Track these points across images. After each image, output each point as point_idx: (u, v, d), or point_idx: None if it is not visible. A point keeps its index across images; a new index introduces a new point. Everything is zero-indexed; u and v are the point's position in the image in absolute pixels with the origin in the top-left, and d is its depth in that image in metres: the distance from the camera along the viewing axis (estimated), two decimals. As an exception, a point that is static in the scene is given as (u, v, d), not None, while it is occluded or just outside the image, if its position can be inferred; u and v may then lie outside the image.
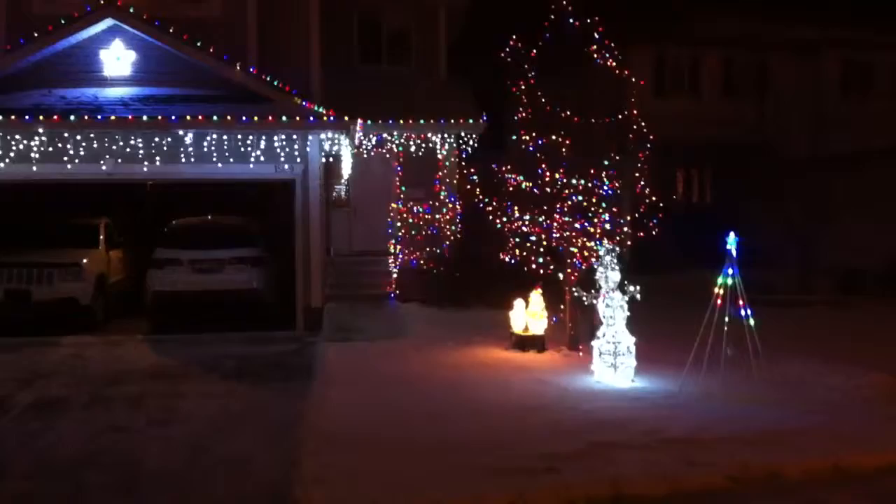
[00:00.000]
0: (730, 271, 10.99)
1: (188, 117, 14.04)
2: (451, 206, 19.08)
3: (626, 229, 13.63)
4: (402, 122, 18.56)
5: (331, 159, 15.33)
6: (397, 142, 18.87)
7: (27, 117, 13.80)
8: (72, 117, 13.86)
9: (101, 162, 14.22)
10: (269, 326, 14.88)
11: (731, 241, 11.08)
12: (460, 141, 19.08)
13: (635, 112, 14.09)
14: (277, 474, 7.82)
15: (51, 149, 14.09)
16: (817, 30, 25.44)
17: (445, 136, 18.98)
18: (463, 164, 18.43)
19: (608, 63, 14.09)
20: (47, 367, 12.26)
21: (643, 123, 14.03)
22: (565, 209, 13.58)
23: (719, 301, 10.87)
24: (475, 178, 15.33)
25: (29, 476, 7.78)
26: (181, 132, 14.20)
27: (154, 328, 15.21)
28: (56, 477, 7.77)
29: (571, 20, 14.30)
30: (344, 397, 10.49)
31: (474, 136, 18.95)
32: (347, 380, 11.45)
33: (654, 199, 13.74)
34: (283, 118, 14.25)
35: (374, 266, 18.51)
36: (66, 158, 14.13)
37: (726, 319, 10.81)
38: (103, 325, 15.34)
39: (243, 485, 7.59)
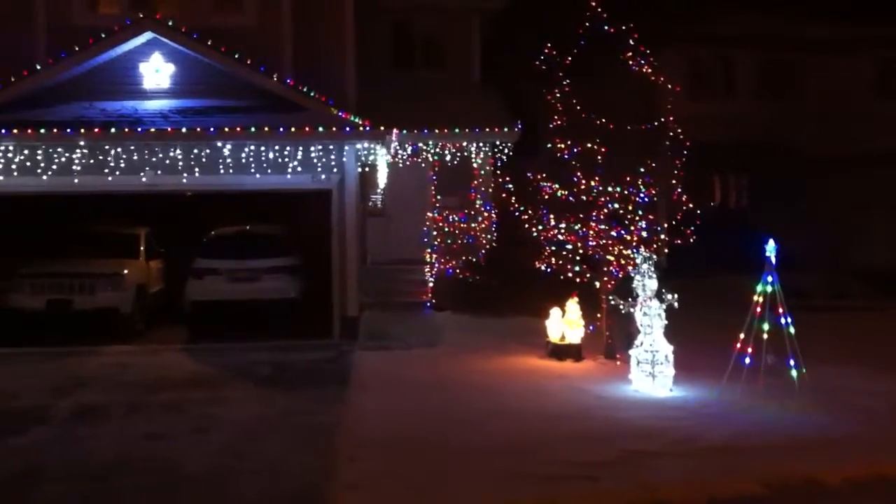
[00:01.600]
0: (769, 278, 10.88)
1: (226, 128, 14.20)
2: (486, 214, 19.08)
3: (662, 236, 13.54)
4: (436, 130, 18.60)
5: (366, 168, 15.40)
6: (432, 150, 18.92)
7: (69, 130, 14.04)
8: (112, 129, 14.08)
9: (141, 173, 14.41)
10: (305, 335, 14.96)
11: (771, 247, 10.97)
12: (495, 149, 19.09)
13: (671, 118, 14.02)
14: (313, 480, 7.86)
15: (92, 161, 14.30)
16: (852, 29, 25.10)
17: (480, 144, 19.00)
18: (498, 171, 18.42)
19: (643, 69, 14.04)
20: (88, 376, 12.42)
21: (679, 129, 13.95)
22: (601, 217, 13.53)
23: (758, 308, 10.76)
24: (510, 186, 15.32)
25: (67, 481, 7.89)
26: (219, 143, 14.36)
27: (192, 337, 15.36)
28: (93, 482, 7.87)
29: (605, 26, 14.28)
30: (379, 404, 10.54)
31: (509, 143, 18.95)
32: (383, 387, 11.49)
33: (690, 205, 13.64)
34: (320, 128, 14.36)
35: (410, 274, 18.55)
36: (106, 170, 14.33)
37: (766, 327, 10.69)
38: (143, 334, 15.52)
39: (278, 490, 7.64)
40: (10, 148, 14.15)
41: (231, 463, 8.36)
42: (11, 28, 16.00)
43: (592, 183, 13.56)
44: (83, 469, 8.22)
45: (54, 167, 14.27)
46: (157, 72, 15.29)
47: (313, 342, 14.57)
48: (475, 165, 19.11)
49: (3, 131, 13.94)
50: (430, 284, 18.25)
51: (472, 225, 19.06)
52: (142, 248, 16.67)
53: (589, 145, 13.66)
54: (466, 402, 10.61)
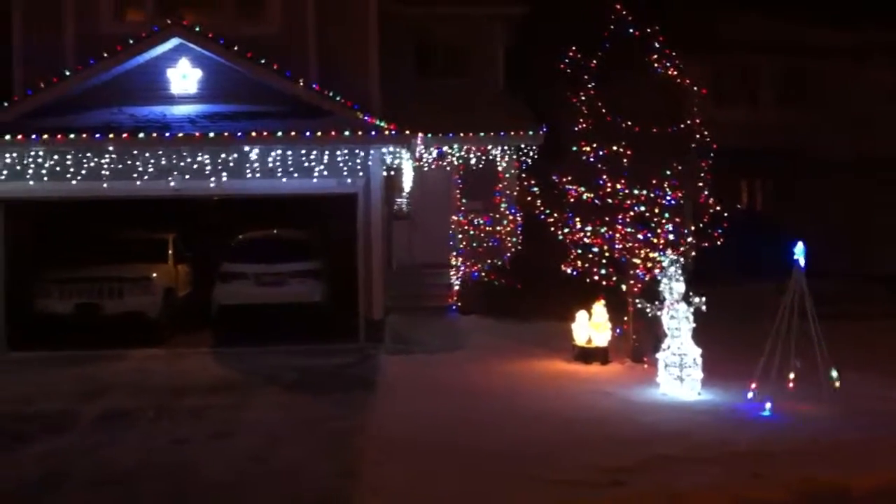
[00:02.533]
0: (797, 282, 10.77)
1: (253, 133, 14.28)
2: (511, 217, 19.05)
3: (689, 239, 13.45)
4: (461, 134, 18.62)
5: (392, 172, 15.43)
6: (457, 154, 18.93)
7: (98, 135, 14.17)
8: (141, 135, 14.21)
9: (170, 178, 14.52)
10: (330, 338, 14.99)
11: (799, 251, 10.87)
12: (520, 152, 19.05)
13: (697, 121, 13.93)
14: (336, 484, 7.88)
15: (120, 166, 14.41)
16: (874, 34, 24.87)
17: (505, 147, 18.99)
18: (523, 175, 18.39)
19: (668, 72, 13.97)
20: (115, 380, 12.52)
21: (705, 132, 13.86)
22: (627, 220, 13.46)
23: (786, 312, 10.66)
24: (535, 189, 15.28)
25: (91, 486, 7.95)
26: (246, 148, 14.44)
27: (219, 341, 15.44)
28: (117, 487, 7.92)
29: (631, 29, 14.22)
30: (404, 408, 10.54)
31: (534, 147, 18.91)
32: (408, 391, 11.49)
33: (717, 208, 13.54)
34: (346, 133, 14.41)
35: (435, 278, 18.56)
36: (135, 175, 14.45)
37: (794, 331, 10.59)
38: (170, 337, 15.59)
39: (301, 495, 7.65)
40: (41, 153, 14.30)
41: (255, 468, 8.39)
42: (41, 35, 16.19)
43: (618, 186, 13.49)
44: (108, 474, 8.28)
45: (83, 172, 14.40)
46: (184, 77, 15.41)
47: (338, 346, 14.59)
48: (500, 169, 19.09)
49: (34, 137, 14.10)
50: (456, 288, 18.25)
51: (497, 228, 19.04)
52: (170, 253, 16.78)
53: (615, 148, 13.59)
54: (492, 406, 10.59)
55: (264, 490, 7.80)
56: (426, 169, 18.72)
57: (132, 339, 14.85)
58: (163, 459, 8.74)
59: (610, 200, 13.60)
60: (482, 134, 18.67)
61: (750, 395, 10.62)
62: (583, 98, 14.19)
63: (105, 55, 15.12)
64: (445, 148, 18.79)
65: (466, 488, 7.66)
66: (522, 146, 18.95)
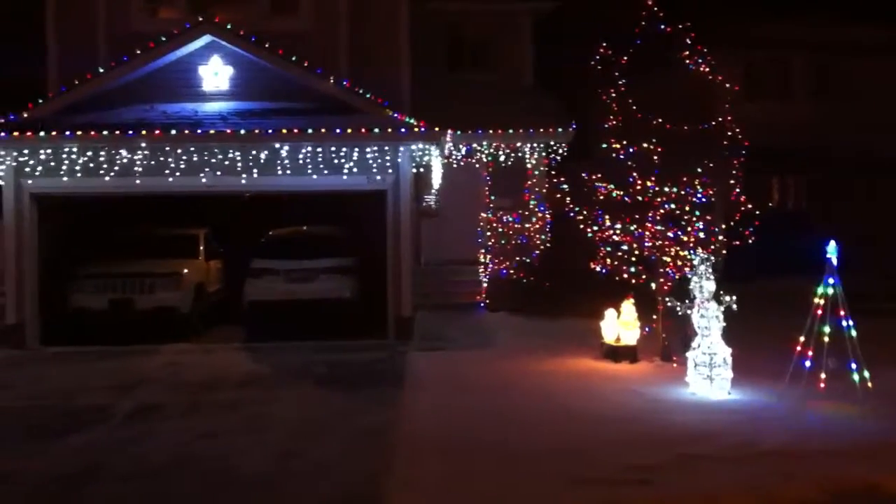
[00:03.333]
0: (830, 280, 10.68)
1: (283, 130, 14.39)
2: (540, 215, 19.02)
3: (720, 238, 13.36)
4: (490, 131, 18.62)
5: (421, 169, 15.46)
6: (486, 151, 18.92)
7: (131, 132, 14.35)
8: (173, 131, 14.37)
9: (201, 174, 14.65)
10: (360, 335, 15.07)
11: (832, 249, 10.77)
12: (549, 149, 19.02)
13: (729, 118, 13.83)
14: (366, 480, 7.91)
15: (153, 162, 14.57)
16: None
17: (534, 144, 18.95)
18: (552, 172, 18.35)
19: (700, 68, 13.88)
20: (147, 374, 12.66)
21: (737, 129, 13.75)
22: (657, 217, 13.39)
23: (819, 311, 10.56)
24: (564, 186, 15.25)
25: (125, 480, 8.04)
26: (277, 145, 14.54)
27: (249, 336, 15.57)
28: (150, 481, 8.00)
29: (661, 25, 14.15)
30: (434, 405, 10.56)
31: (563, 144, 18.87)
32: (437, 387, 11.52)
33: (748, 206, 13.44)
34: (376, 130, 14.47)
35: (464, 275, 18.58)
36: (167, 171, 14.60)
37: (826, 330, 10.50)
38: (201, 332, 15.77)
39: (332, 491, 7.68)
40: (74, 150, 14.48)
41: (285, 463, 8.44)
42: (74, 33, 16.44)
43: (648, 183, 13.43)
44: (141, 468, 8.36)
45: (116, 168, 14.58)
46: (215, 74, 15.54)
47: (368, 342, 14.67)
48: (529, 166, 19.07)
49: (67, 133, 14.30)
50: (484, 285, 18.26)
51: (526, 226, 19.02)
52: (201, 249, 16.93)
53: (645, 145, 13.53)
54: (521, 404, 10.59)
55: (296, 485, 7.85)
56: (455, 166, 18.74)
57: (164, 333, 15.02)
58: (195, 453, 8.80)
59: (640, 198, 13.54)
60: (511, 131, 18.67)
61: (781, 394, 10.54)
62: (613, 95, 14.12)
63: (138, 52, 15.31)
64: (474, 145, 18.80)
65: (497, 485, 7.67)
66: (552, 143, 18.92)
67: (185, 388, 11.82)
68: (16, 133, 14.29)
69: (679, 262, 13.12)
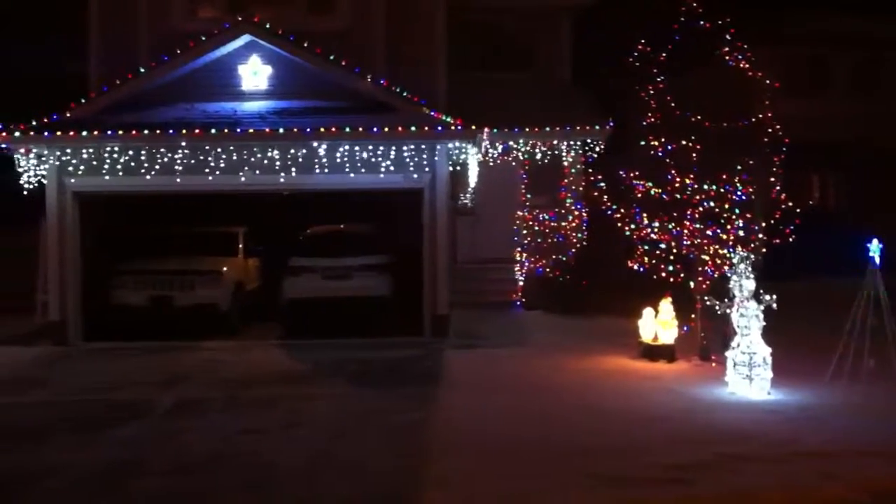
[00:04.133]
0: (872, 279, 10.53)
1: (321, 129, 14.49)
2: (576, 213, 18.95)
3: (760, 236, 13.21)
4: (527, 129, 18.58)
5: (457, 167, 15.48)
6: (522, 149, 18.88)
7: (171, 131, 14.52)
8: (213, 130, 14.51)
9: (240, 173, 14.78)
10: (396, 332, 15.12)
11: (875, 248, 10.62)
12: (586, 147, 18.93)
13: (769, 114, 13.67)
14: (402, 478, 7.94)
15: (193, 161, 14.72)
16: None
17: (571, 142, 18.88)
18: (589, 170, 18.26)
19: (740, 64, 13.74)
20: (187, 370, 12.82)
21: (777, 126, 13.59)
22: (696, 215, 13.28)
23: (860, 310, 10.42)
24: (602, 184, 15.19)
25: (164, 474, 8.16)
26: (315, 143, 14.64)
27: (287, 333, 15.68)
28: (189, 476, 8.11)
29: (700, 21, 14.02)
30: (469, 402, 10.58)
31: (600, 141, 18.78)
32: (472, 385, 11.53)
33: (789, 204, 13.27)
34: (412, 128, 14.51)
35: (500, 273, 18.56)
36: (207, 170, 14.74)
37: (868, 330, 10.36)
38: (240, 330, 15.90)
39: (367, 487, 7.73)
40: (116, 148, 14.68)
41: (321, 459, 8.51)
42: (116, 33, 16.64)
43: (687, 181, 13.31)
44: (179, 462, 8.48)
45: (157, 167, 14.75)
46: (254, 74, 15.67)
47: (404, 340, 14.71)
48: (566, 164, 18.99)
49: (109, 133, 14.49)
50: (520, 283, 18.22)
51: (563, 224, 18.96)
52: (240, 247, 17.08)
53: (683, 142, 13.41)
54: (557, 402, 10.56)
55: (332, 480, 7.91)
56: (491, 164, 18.72)
57: (203, 330, 15.18)
58: (234, 449, 8.91)
59: (678, 196, 13.42)
60: (548, 128, 18.62)
61: (822, 394, 10.42)
62: (651, 92, 14.02)
63: (178, 52, 15.48)
64: (511, 143, 18.77)
65: (531, 484, 7.67)
66: (589, 140, 18.83)
67: (223, 384, 11.95)
68: (59, 132, 14.52)
69: (718, 261, 12.98)
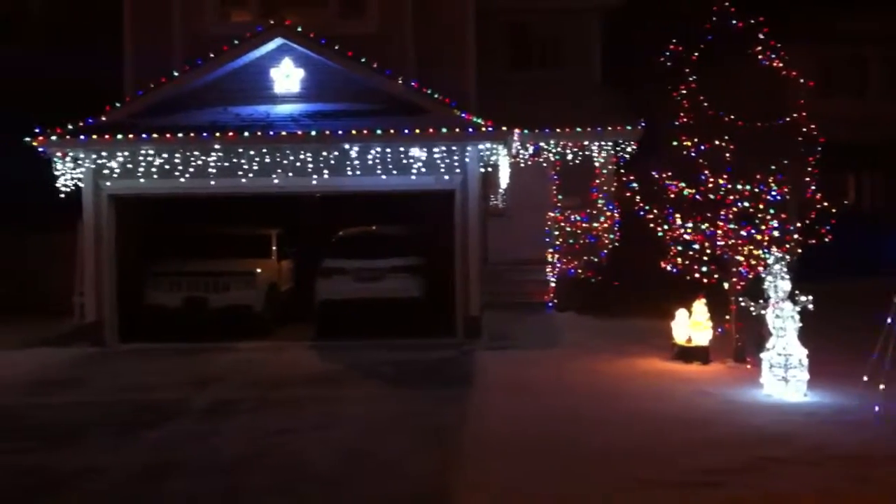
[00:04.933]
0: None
1: (353, 131, 14.57)
2: (608, 213, 18.87)
3: (795, 236, 13.08)
4: (558, 130, 18.55)
5: (488, 169, 15.48)
6: (553, 150, 18.84)
7: (205, 134, 14.66)
8: (246, 133, 14.64)
9: (273, 175, 14.89)
10: (428, 334, 15.14)
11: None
12: (617, 147, 18.85)
13: (803, 114, 13.53)
14: (435, 479, 7.94)
15: (226, 163, 14.86)
16: None
17: (602, 142, 18.82)
18: (621, 170, 18.18)
19: (773, 64, 13.61)
20: (221, 371, 12.94)
21: (812, 126, 13.45)
22: (730, 216, 13.17)
23: (898, 311, 10.28)
24: (634, 184, 15.11)
25: (198, 475, 8.22)
26: (346, 146, 14.72)
27: (319, 334, 15.77)
28: (222, 476, 8.17)
29: (734, 20, 13.91)
30: (502, 404, 10.56)
31: (631, 142, 18.69)
32: (505, 387, 11.51)
33: (824, 204, 13.13)
34: (443, 130, 14.55)
35: (531, 275, 18.53)
36: (240, 172, 14.87)
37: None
38: (273, 331, 16.01)
39: (400, 488, 7.74)
40: (151, 152, 14.84)
41: (353, 461, 8.54)
42: (149, 38, 16.84)
43: (721, 181, 13.21)
44: (214, 463, 8.55)
45: (191, 170, 14.90)
46: (286, 77, 15.76)
47: (436, 341, 14.73)
48: (597, 164, 18.94)
49: (144, 136, 14.67)
50: (552, 285, 18.18)
51: (594, 225, 18.89)
52: (273, 248, 17.19)
53: (717, 142, 13.31)
54: (590, 404, 10.52)
55: (365, 482, 7.92)
56: (522, 165, 18.70)
57: (237, 331, 15.32)
58: (267, 449, 8.97)
59: (712, 196, 13.32)
60: (579, 129, 18.58)
61: (858, 396, 10.29)
62: (683, 91, 13.93)
63: (211, 56, 15.61)
64: (542, 143, 18.74)
65: (567, 487, 7.64)
66: (620, 141, 18.76)
67: (257, 384, 12.04)
68: (94, 136, 14.72)
69: (753, 262, 12.87)
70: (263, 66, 15.84)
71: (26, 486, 7.94)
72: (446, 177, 15.00)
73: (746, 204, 13.06)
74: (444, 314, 15.38)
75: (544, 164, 19.08)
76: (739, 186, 13.08)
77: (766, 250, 12.39)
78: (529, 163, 18.85)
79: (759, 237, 12.89)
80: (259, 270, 16.12)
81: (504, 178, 16.90)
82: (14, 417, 10.59)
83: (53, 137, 14.67)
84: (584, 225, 18.87)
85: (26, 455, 8.84)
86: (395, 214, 17.34)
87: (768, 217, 12.94)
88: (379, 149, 14.77)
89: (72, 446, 9.17)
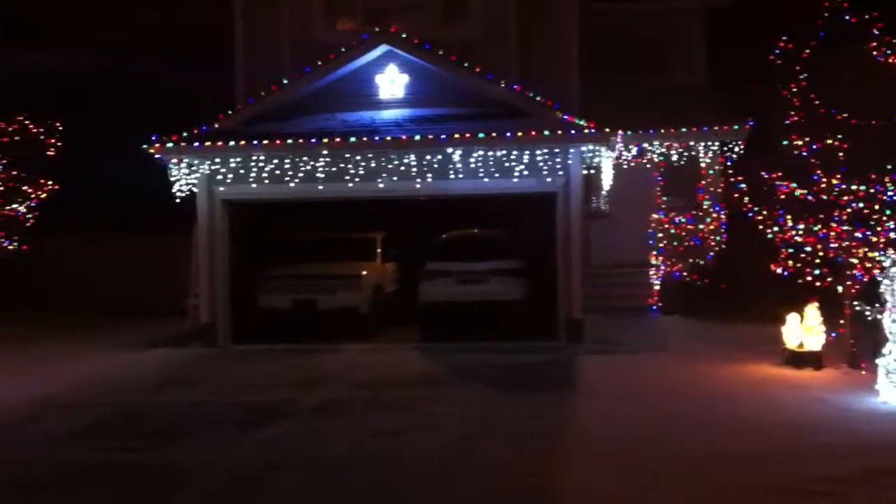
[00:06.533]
0: None
1: (455, 135, 14.71)
2: (714, 215, 18.51)
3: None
4: (662, 130, 18.31)
5: (591, 171, 15.40)
6: (657, 151, 18.60)
7: (313, 140, 15.04)
8: (352, 139, 14.95)
9: (378, 180, 15.16)
10: (530, 336, 15.14)
11: None
12: (724, 148, 18.48)
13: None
14: (539, 482, 7.95)
15: (333, 169, 15.20)
16: None
17: (708, 143, 18.49)
18: (728, 171, 17.80)
19: (888, 59, 13.12)
20: (329, 372, 13.23)
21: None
22: (844, 217, 12.76)
23: None
24: (742, 185, 14.78)
25: (304, 472, 8.43)
26: (450, 149, 14.88)
27: (422, 337, 15.96)
28: (328, 475, 8.36)
29: (846, 16, 13.47)
30: (606, 408, 10.50)
31: (739, 142, 18.30)
32: (610, 391, 11.44)
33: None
34: (546, 132, 14.55)
35: (635, 277, 18.33)
36: (347, 177, 15.20)
37: None
38: (378, 333, 16.27)
39: (505, 491, 7.77)
40: (261, 158, 15.30)
41: (456, 462, 8.62)
42: (259, 47, 17.36)
43: (834, 181, 12.81)
44: (320, 461, 8.76)
45: (300, 175, 15.30)
46: (391, 83, 16.02)
47: (538, 344, 14.73)
48: (703, 165, 18.62)
49: (255, 143, 15.14)
50: (656, 288, 17.94)
51: (700, 226, 18.56)
52: (378, 252, 17.48)
53: (829, 141, 12.92)
54: (696, 409, 10.36)
55: (468, 484, 7.99)
56: (625, 166, 18.52)
57: (344, 333, 15.62)
58: (371, 449, 9.14)
59: (824, 197, 12.93)
60: (683, 129, 18.28)
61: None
62: (794, 90, 13.56)
63: (318, 64, 16.01)
64: (645, 144, 18.52)
65: (676, 494, 7.57)
66: (727, 141, 18.39)
67: (363, 386, 12.28)
68: (208, 143, 15.27)
69: (868, 265, 12.44)
70: (369, 72, 16.14)
71: (149, 482, 8.31)
72: (549, 179, 14.98)
73: (861, 205, 12.64)
74: (547, 317, 15.35)
75: (648, 166, 18.85)
76: (854, 187, 12.67)
77: (882, 253, 11.96)
78: (633, 164, 18.65)
79: (874, 239, 12.45)
80: (365, 273, 16.42)
81: (607, 180, 16.77)
82: (139, 416, 11.09)
83: (170, 144, 15.28)
84: (689, 226, 18.58)
85: (149, 452, 9.23)
86: (497, 217, 17.39)
87: (884, 218, 12.48)
88: (481, 152, 14.88)
89: (189, 444, 9.54)
